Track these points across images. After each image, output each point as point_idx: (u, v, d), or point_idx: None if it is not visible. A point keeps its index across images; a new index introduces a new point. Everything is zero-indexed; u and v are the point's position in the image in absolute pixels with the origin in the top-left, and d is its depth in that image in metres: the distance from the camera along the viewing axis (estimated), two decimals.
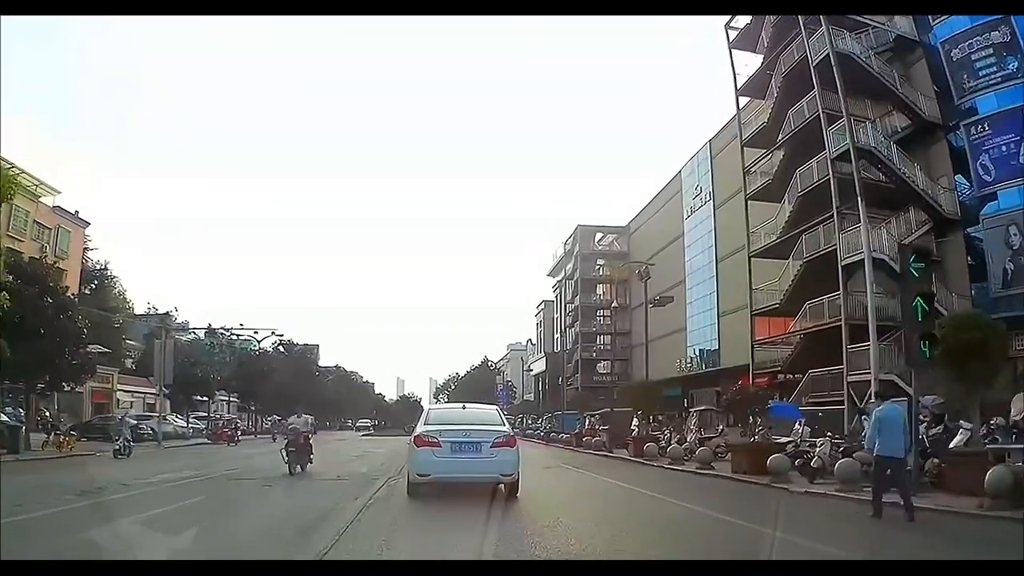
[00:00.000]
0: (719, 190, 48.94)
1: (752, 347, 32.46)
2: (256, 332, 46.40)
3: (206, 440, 35.75)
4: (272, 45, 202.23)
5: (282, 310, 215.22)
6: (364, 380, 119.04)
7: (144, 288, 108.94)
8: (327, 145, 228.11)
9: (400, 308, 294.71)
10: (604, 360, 65.21)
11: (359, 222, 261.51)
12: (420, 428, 11.70)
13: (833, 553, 7.16)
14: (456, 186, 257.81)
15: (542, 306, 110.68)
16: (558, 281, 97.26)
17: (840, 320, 27.28)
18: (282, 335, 61.70)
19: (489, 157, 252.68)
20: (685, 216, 52.68)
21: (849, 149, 29.07)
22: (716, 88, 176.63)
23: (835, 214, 28.91)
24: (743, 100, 37.83)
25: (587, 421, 30.68)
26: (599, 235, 69.99)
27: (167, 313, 43.32)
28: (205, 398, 44.49)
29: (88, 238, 62.26)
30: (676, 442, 19.45)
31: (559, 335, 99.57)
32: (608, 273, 61.75)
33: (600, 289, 67.88)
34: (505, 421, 12.82)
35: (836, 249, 28.30)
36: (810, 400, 27.40)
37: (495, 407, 14.69)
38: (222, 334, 48.11)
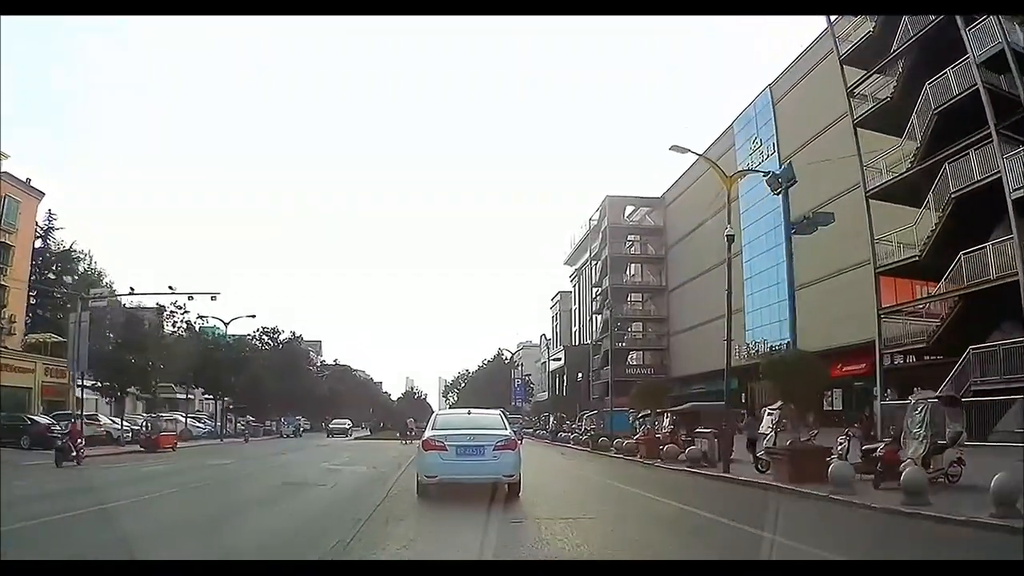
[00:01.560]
0: (785, 140, 41.27)
1: (879, 318, 24.41)
2: (191, 298, 36.99)
3: (140, 447, 27.73)
4: (274, 32, 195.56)
5: (288, 308, 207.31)
6: (371, 379, 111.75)
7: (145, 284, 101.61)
8: (326, 137, 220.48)
9: (408, 306, 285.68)
10: (635, 351, 57.02)
11: (366, 219, 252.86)
12: (428, 433, 12.25)
13: None
14: (463, 176, 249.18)
15: (558, 298, 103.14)
16: (576, 269, 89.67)
17: (1016, 274, 19.46)
18: (267, 320, 54.02)
19: (496, 146, 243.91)
20: (740, 176, 44.81)
21: (995, 55, 21.63)
22: (752, 46, 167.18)
23: (993, 132, 21.14)
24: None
25: (665, 419, 22.13)
26: (629, 208, 61.99)
27: (85, 275, 33.64)
28: (140, 391, 35.84)
29: (54, 217, 54.88)
30: (884, 458, 10.86)
31: (576, 328, 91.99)
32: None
33: (631, 269, 59.65)
34: (508, 425, 13.09)
35: (1001, 177, 20.54)
36: (978, 387, 19.61)
37: (498, 411, 14.67)
38: (174, 311, 39.31)
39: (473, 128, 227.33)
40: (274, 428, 49.40)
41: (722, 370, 29.59)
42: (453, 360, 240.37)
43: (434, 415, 15.53)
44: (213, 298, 33.11)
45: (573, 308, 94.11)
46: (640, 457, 22.05)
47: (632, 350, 56.64)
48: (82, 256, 54.74)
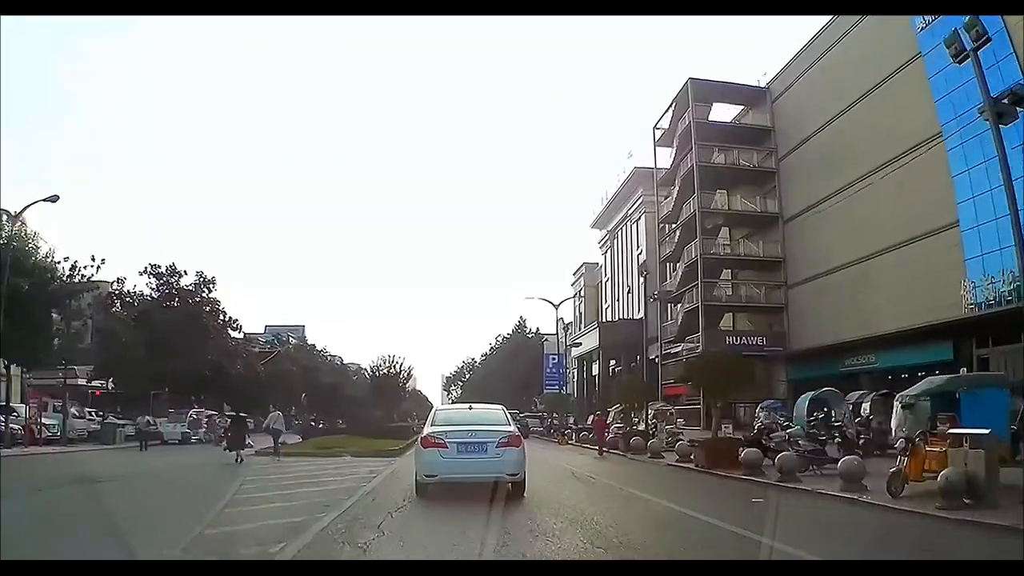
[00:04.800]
0: None
1: None
2: None
3: None
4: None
5: (281, 302, 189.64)
6: (351, 364, 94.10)
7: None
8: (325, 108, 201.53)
9: (409, 298, 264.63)
10: (732, 310, 38.15)
11: (363, 210, 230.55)
12: (427, 429, 11.95)
13: None
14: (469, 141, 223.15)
15: (582, 270, 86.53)
16: (608, 231, 73.06)
17: None
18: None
19: (495, 107, 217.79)
20: (918, 28, 28.25)
21: None
22: None
23: None
24: None
25: None
26: (716, 107, 42.07)
27: None
28: None
29: None
30: None
31: (608, 304, 75.22)
32: None
33: (719, 197, 39.44)
34: (511, 420, 12.60)
35: None
36: None
37: (501, 407, 13.79)
38: None
39: (467, 87, 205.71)
40: (156, 426, 30.77)
41: (923, 327, 11.88)
42: (455, 357, 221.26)
43: (433, 410, 14.67)
44: None
45: (603, 280, 77.57)
46: None
47: (728, 309, 38.09)
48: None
